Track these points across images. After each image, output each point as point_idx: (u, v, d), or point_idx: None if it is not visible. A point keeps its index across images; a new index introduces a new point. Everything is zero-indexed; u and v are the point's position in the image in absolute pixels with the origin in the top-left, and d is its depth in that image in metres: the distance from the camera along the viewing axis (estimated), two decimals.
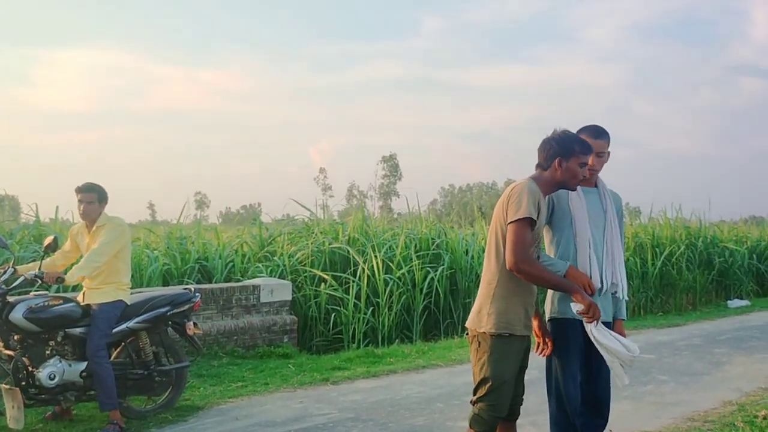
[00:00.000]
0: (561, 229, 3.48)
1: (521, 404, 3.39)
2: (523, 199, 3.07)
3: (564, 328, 3.41)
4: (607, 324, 3.52)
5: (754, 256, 15.35)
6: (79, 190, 4.90)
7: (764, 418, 4.82)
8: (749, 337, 8.96)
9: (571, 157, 3.19)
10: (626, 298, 3.57)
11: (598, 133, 3.52)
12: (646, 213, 14.69)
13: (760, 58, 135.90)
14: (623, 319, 3.62)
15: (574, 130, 3.61)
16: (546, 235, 3.58)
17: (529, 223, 3.06)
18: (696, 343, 8.50)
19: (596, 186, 3.59)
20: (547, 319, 3.54)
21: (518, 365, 3.21)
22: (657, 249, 13.03)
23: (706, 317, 11.30)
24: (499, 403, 3.13)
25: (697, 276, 13.25)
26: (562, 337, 3.43)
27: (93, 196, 4.92)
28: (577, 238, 3.41)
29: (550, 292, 3.52)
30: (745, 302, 13.26)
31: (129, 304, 4.99)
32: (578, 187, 3.48)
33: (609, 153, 3.60)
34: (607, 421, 3.60)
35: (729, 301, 13.37)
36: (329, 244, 9.55)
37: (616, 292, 3.52)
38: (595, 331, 3.12)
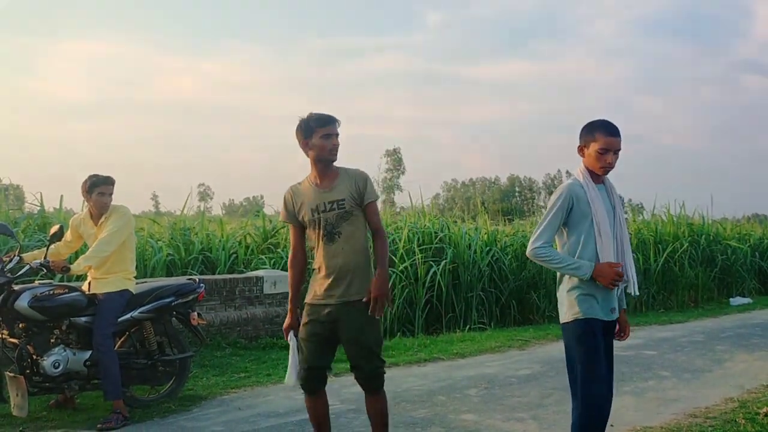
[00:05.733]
0: (579, 227, 3.35)
1: (324, 381, 3.73)
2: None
3: (590, 328, 3.28)
4: (612, 321, 3.40)
5: (757, 254, 15.35)
6: (101, 182, 4.90)
7: (766, 415, 4.82)
8: (751, 334, 8.95)
9: (312, 134, 3.53)
10: (637, 293, 3.50)
11: (613, 130, 3.37)
12: (649, 209, 14.67)
13: (763, 55, 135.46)
14: (625, 309, 3.55)
15: (579, 126, 3.52)
16: (562, 235, 3.44)
17: (291, 227, 3.72)
18: (698, 339, 8.51)
19: (603, 183, 3.47)
20: (565, 321, 3.36)
21: (308, 327, 3.57)
22: (659, 245, 13.04)
23: (708, 314, 11.29)
24: (302, 355, 3.59)
25: (700, 273, 13.25)
26: (590, 338, 3.28)
27: (112, 189, 4.95)
28: (600, 238, 3.31)
29: (564, 293, 3.37)
30: (747, 300, 13.26)
31: (134, 293, 5.01)
32: (593, 185, 3.38)
33: None
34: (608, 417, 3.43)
35: (731, 299, 13.37)
36: None
37: (626, 287, 3.49)
38: (292, 341, 3.63)
